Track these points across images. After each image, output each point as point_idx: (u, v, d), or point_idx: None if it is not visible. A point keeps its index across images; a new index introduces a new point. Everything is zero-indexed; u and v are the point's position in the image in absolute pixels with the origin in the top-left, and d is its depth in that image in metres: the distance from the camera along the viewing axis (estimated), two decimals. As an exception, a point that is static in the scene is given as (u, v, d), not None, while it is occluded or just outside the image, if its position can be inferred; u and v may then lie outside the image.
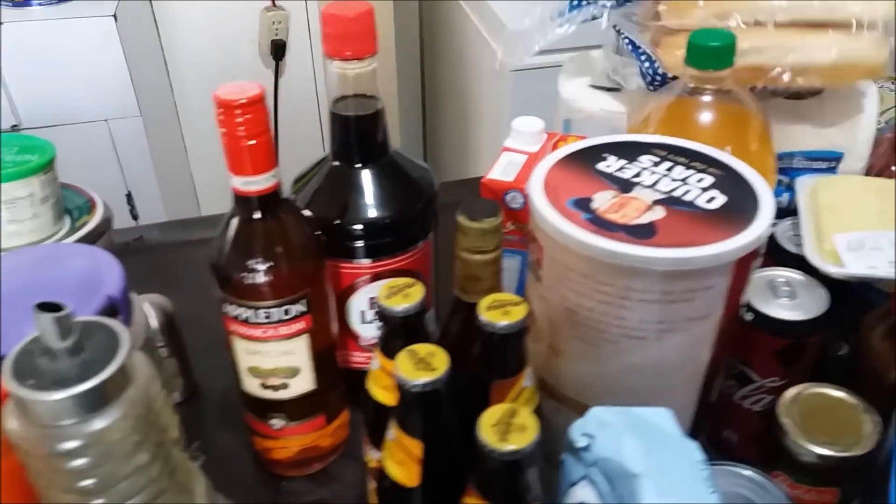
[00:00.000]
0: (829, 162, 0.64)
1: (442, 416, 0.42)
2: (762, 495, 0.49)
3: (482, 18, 1.35)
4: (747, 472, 0.49)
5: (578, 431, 0.43)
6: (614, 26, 0.68)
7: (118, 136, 1.42)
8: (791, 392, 0.53)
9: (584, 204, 0.46)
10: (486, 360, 0.45)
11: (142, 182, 1.46)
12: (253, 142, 0.47)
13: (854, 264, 0.54)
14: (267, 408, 0.58)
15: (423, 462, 0.43)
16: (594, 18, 0.67)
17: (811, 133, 0.64)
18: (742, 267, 0.44)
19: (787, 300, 0.55)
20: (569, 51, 0.82)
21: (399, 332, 0.46)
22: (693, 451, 0.41)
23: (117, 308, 0.51)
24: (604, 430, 0.42)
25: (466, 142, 1.53)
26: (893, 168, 0.70)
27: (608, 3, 0.65)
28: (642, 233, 0.43)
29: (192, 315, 0.68)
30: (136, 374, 0.40)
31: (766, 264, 0.63)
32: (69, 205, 0.68)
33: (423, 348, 0.42)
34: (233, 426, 0.64)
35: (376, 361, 0.49)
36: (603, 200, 0.46)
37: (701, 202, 0.46)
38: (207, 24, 1.76)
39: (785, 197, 0.67)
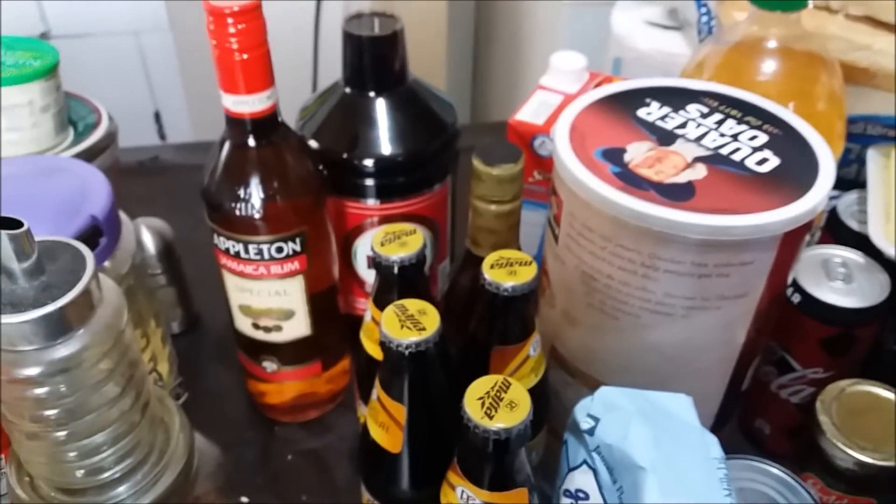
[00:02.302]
0: (908, 130, 0.56)
1: (429, 380, 0.38)
2: (789, 498, 0.44)
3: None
4: (776, 471, 0.45)
5: (583, 411, 0.38)
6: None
7: (147, 50, 1.38)
8: (834, 387, 0.47)
9: (615, 155, 0.40)
10: (488, 324, 0.41)
11: (171, 101, 1.42)
12: (245, 56, 0.42)
13: (925, 249, 0.47)
14: (259, 349, 0.55)
15: (407, 428, 0.38)
16: None
17: (891, 96, 0.55)
18: (790, 242, 0.38)
19: (841, 283, 0.49)
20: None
21: (392, 283, 0.42)
22: (711, 447, 0.36)
23: (101, 229, 0.48)
24: (611, 413, 0.37)
25: (515, 80, 1.45)
26: None
27: None
28: (677, 193, 0.37)
29: (199, 242, 0.65)
30: (104, 302, 0.37)
31: (823, 241, 0.56)
32: (74, 116, 0.64)
33: (413, 304, 0.37)
34: (231, 362, 0.61)
35: (369, 313, 0.44)
36: (637, 153, 0.40)
37: (750, 163, 0.39)
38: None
39: (854, 168, 0.59)
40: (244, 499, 0.53)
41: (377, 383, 0.39)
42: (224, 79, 0.43)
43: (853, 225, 0.54)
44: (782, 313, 0.48)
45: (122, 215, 0.52)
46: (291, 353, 0.55)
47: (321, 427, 0.60)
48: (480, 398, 0.34)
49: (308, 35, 1.49)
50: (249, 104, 0.44)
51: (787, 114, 0.43)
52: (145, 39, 1.38)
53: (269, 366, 0.55)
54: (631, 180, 0.38)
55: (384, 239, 0.41)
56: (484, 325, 0.41)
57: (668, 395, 0.38)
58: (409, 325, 0.36)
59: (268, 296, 0.50)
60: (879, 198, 0.52)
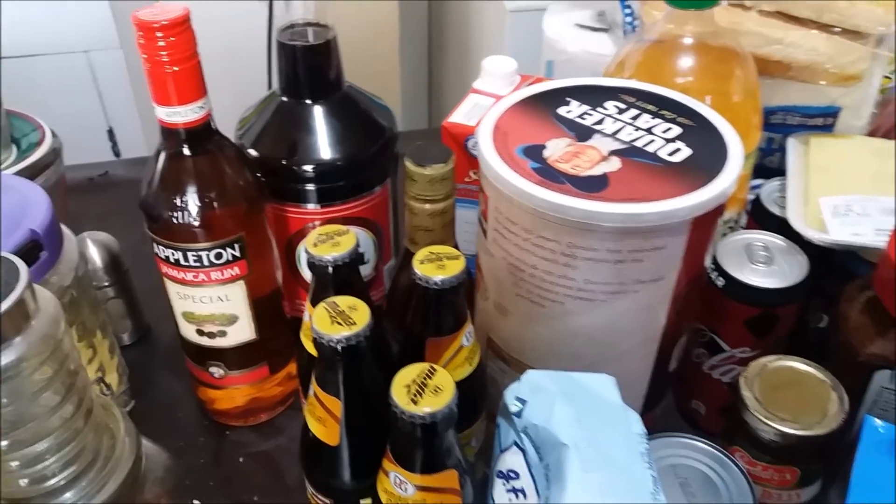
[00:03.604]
0: (825, 118, 0.59)
1: (362, 374, 0.39)
2: (719, 471, 0.46)
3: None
4: (705, 446, 0.46)
5: (512, 395, 0.40)
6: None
7: (98, 68, 1.38)
8: (757, 364, 0.49)
9: (535, 152, 0.42)
10: (422, 316, 0.42)
11: (124, 118, 1.42)
12: (176, 68, 0.43)
13: (837, 230, 0.50)
14: (206, 355, 0.56)
15: (343, 421, 0.40)
16: None
17: (807, 87, 0.58)
18: (701, 227, 0.40)
19: (762, 266, 0.51)
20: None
21: (327, 283, 0.43)
22: (632, 423, 0.38)
23: (41, 243, 0.48)
24: (537, 395, 0.39)
25: (466, 86, 1.47)
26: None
27: None
28: (592, 185, 0.39)
29: (150, 255, 0.65)
30: (40, 313, 0.38)
31: (750, 227, 0.59)
32: (17, 134, 0.65)
33: (344, 301, 0.39)
34: (182, 371, 0.62)
35: (307, 313, 0.46)
36: (556, 149, 0.42)
37: (663, 154, 0.41)
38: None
39: (777, 156, 0.62)
40: (196, 501, 0.54)
41: (313, 379, 0.40)
42: (156, 91, 0.45)
43: (775, 210, 0.56)
44: (708, 297, 0.50)
45: (65, 229, 0.53)
46: (237, 357, 0.56)
47: (272, 429, 0.60)
48: (407, 385, 0.35)
49: (262, 40, 1.50)
50: (182, 115, 0.45)
51: (700, 106, 0.45)
52: (96, 57, 1.38)
53: (217, 371, 0.56)
54: (549, 175, 0.40)
55: (317, 240, 0.42)
56: (418, 318, 0.42)
57: (591, 375, 0.39)
58: (340, 320, 0.37)
59: (210, 302, 0.51)
60: (798, 183, 0.55)
